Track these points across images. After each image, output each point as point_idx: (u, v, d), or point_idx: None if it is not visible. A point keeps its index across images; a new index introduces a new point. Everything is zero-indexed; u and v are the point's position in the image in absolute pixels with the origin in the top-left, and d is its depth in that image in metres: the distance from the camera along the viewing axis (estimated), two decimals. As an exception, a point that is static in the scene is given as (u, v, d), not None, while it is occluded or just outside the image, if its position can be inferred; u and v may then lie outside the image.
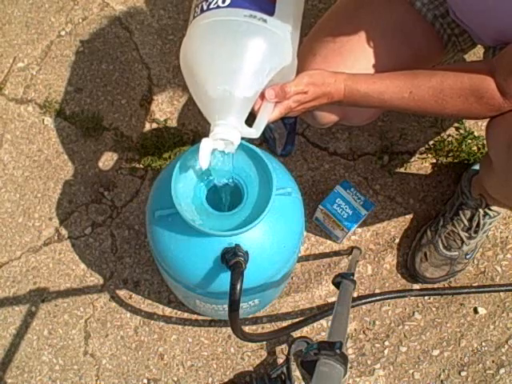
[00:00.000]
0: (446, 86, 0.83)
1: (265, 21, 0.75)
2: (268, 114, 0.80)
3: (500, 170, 0.93)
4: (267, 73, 0.76)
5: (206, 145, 0.76)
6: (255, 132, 0.78)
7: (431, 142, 1.36)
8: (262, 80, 0.76)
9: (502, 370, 1.19)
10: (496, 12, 0.84)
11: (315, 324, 1.20)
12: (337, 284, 0.97)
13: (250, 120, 0.78)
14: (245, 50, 0.74)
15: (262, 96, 0.79)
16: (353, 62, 0.95)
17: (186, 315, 1.24)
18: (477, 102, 0.83)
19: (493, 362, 1.20)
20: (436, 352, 1.21)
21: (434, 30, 0.98)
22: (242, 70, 0.74)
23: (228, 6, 0.76)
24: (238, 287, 0.77)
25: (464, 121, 1.37)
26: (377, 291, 1.24)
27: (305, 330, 1.21)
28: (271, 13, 0.76)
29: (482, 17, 0.89)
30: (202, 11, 0.77)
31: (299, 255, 1.25)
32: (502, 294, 1.24)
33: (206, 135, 0.76)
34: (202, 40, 0.77)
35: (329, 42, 0.97)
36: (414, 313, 1.23)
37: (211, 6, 0.76)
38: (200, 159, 0.76)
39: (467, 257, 1.22)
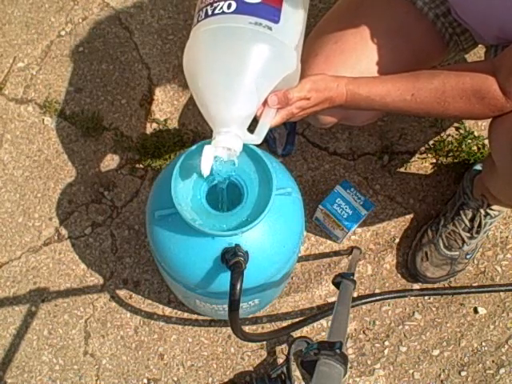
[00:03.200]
0: (448, 87, 0.83)
1: (270, 28, 0.75)
2: (270, 120, 0.80)
3: (503, 171, 0.93)
4: (271, 81, 0.76)
5: (208, 152, 0.76)
6: (257, 138, 0.78)
7: (431, 142, 1.36)
8: (266, 88, 0.76)
9: (502, 370, 1.19)
10: (498, 9, 0.84)
11: (315, 324, 1.20)
12: (337, 284, 0.97)
13: (253, 123, 0.78)
14: (249, 58, 0.74)
15: (265, 102, 0.79)
16: (354, 62, 0.95)
17: (186, 315, 1.24)
18: (479, 102, 0.82)
19: (493, 361, 1.20)
20: (436, 352, 1.21)
21: (436, 29, 0.98)
22: (246, 79, 0.74)
23: (233, 13, 0.74)
24: (238, 287, 0.77)
25: (464, 120, 1.36)
26: (377, 291, 1.24)
27: (305, 330, 1.21)
28: (277, 20, 0.75)
29: (483, 15, 0.89)
30: (207, 16, 0.76)
31: (299, 255, 1.25)
32: (501, 293, 1.24)
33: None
34: (205, 47, 0.76)
35: (330, 42, 0.97)
36: (414, 313, 1.23)
37: (216, 12, 0.75)
38: (202, 166, 0.76)
39: (467, 257, 1.22)
